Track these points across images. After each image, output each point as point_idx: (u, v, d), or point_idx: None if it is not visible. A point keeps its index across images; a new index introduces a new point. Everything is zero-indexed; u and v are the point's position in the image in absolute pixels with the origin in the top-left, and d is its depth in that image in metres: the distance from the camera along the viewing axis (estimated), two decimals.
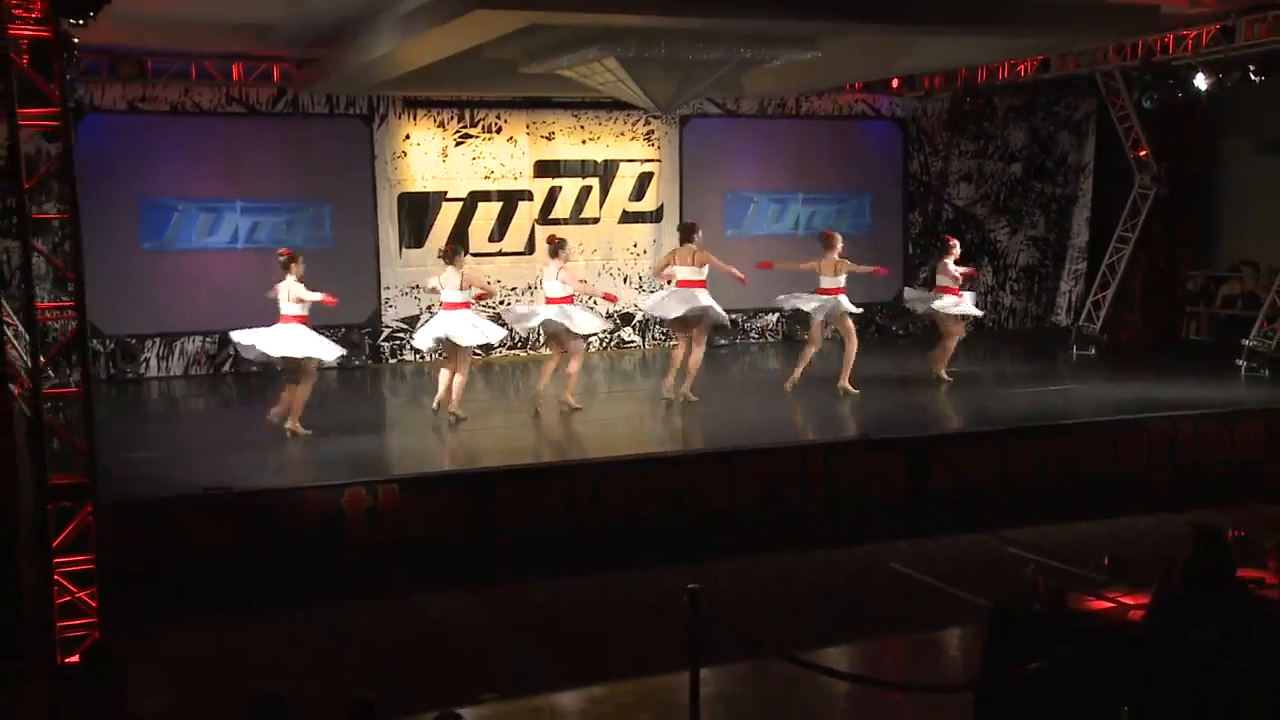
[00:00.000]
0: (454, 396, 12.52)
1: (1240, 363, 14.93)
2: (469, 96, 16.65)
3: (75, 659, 7.64)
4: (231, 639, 8.93)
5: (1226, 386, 14.27)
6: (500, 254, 17.07)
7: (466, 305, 12.54)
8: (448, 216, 16.87)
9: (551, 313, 12.82)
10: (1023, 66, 16.47)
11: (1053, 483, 11.81)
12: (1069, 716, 6.47)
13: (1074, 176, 19.65)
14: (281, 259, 12.06)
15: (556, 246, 13.03)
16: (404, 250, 16.67)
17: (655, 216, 17.76)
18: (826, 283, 13.79)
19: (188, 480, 10.07)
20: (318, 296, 11.95)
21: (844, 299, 13.87)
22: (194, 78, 15.45)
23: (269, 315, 15.56)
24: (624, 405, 14.63)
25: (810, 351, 14.16)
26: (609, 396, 15.22)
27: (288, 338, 11.82)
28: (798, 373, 13.98)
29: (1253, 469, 12.36)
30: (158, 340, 15.79)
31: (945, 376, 14.52)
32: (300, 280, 11.87)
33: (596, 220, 17.50)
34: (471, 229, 16.93)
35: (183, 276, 15.74)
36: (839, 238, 13.98)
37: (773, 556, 10.79)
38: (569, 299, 12.94)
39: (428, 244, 16.76)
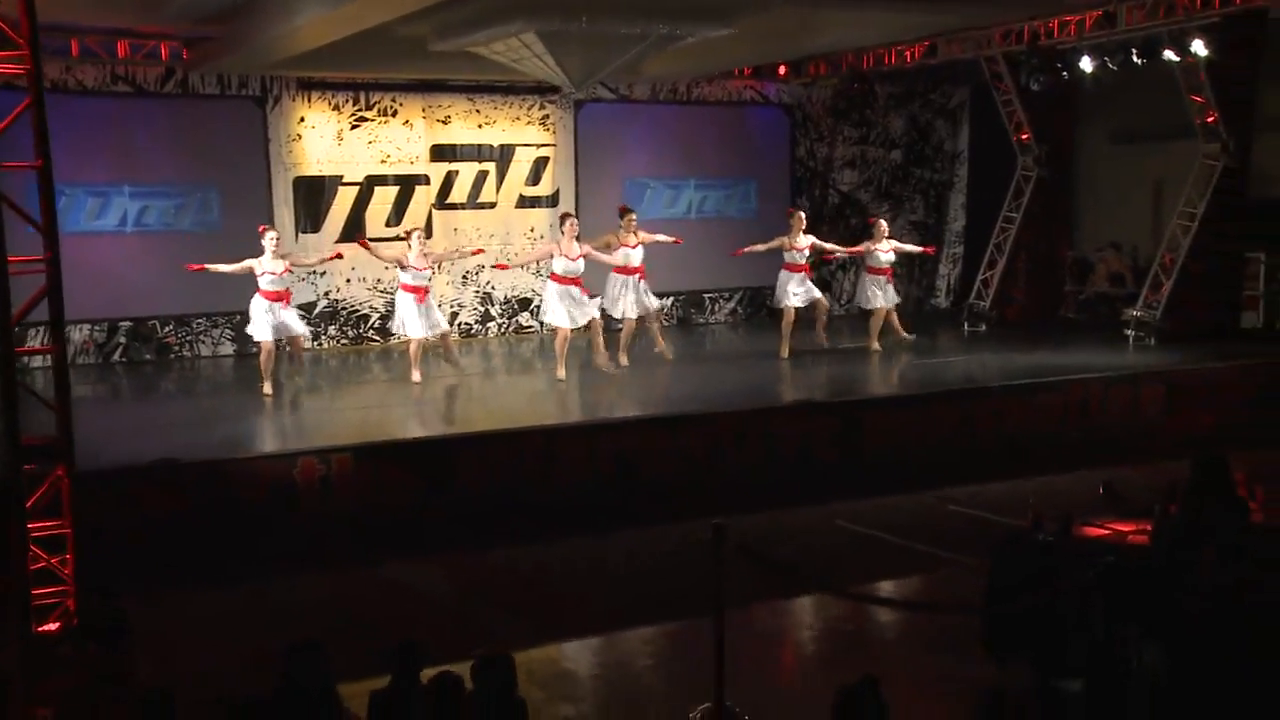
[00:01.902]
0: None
1: (1129, 332, 15.65)
2: (364, 79, 16.38)
3: (51, 627, 7.26)
4: (189, 609, 8.62)
5: (1119, 354, 14.96)
6: (398, 239, 16.72)
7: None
8: (344, 201, 16.55)
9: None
10: (909, 52, 16.95)
11: (981, 443, 12.18)
12: (1078, 636, 6.73)
13: (950, 163, 20.29)
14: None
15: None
16: (300, 235, 16.27)
17: (551, 201, 17.72)
18: (799, 258, 14.70)
19: (110, 458, 9.72)
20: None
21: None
22: (75, 55, 14.83)
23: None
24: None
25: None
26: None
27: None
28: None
29: (1155, 427, 12.95)
30: (43, 329, 15.03)
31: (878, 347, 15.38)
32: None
33: (493, 205, 17.38)
34: (368, 213, 16.65)
35: (69, 262, 14.82)
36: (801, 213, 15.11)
37: (720, 517, 10.84)
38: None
39: (324, 229, 16.44)
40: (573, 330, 13.40)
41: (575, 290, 13.22)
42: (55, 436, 7.31)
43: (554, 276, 13.30)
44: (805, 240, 14.64)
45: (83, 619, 6.54)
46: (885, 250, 15.19)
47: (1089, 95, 17.91)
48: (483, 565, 9.68)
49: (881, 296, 15.16)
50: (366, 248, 13.62)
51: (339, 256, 14.33)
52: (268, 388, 12.92)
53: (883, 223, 15.52)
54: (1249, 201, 16.27)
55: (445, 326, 13.63)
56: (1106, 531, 7.17)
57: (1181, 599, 6.58)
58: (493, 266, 16.19)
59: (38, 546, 7.33)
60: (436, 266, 13.55)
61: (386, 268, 16.66)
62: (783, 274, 14.90)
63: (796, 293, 14.67)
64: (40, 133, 7.28)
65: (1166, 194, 19.75)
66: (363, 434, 10.97)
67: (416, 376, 13.19)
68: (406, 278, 13.11)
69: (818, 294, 15.04)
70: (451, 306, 17.06)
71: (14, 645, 6.90)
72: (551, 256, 13.43)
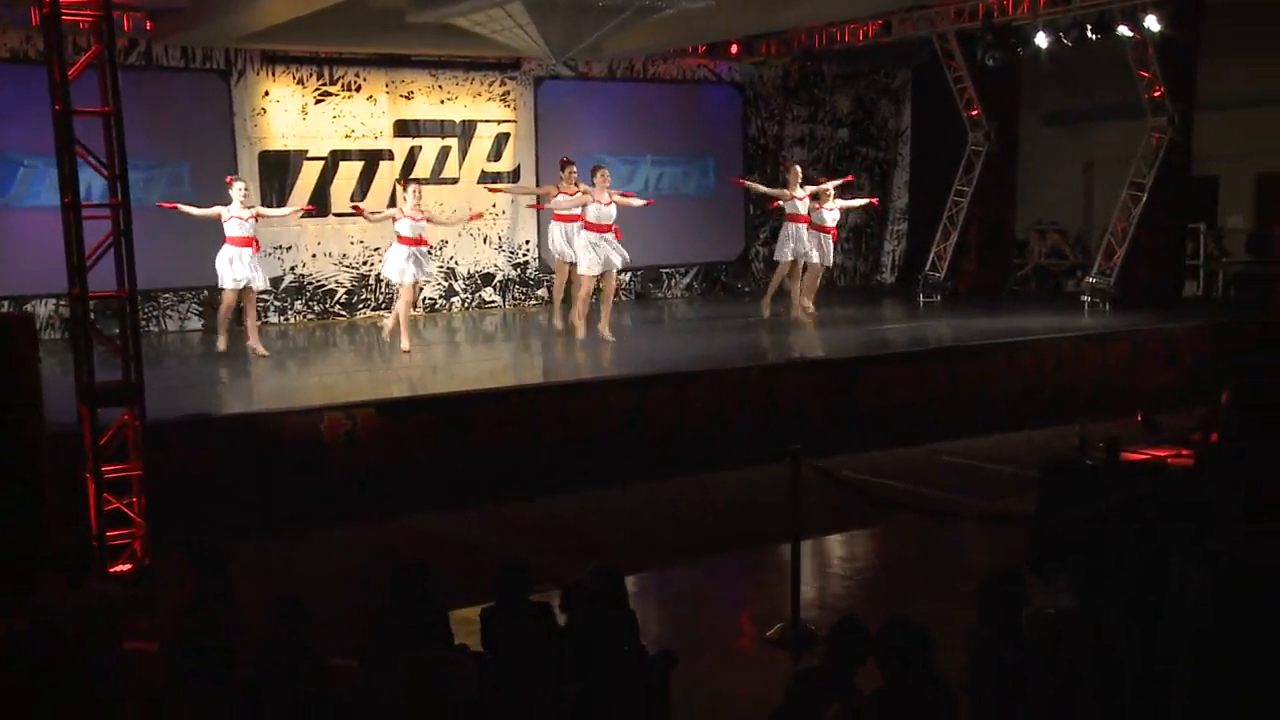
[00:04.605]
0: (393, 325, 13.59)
1: (1084, 298, 16.27)
2: (327, 53, 16.33)
3: (124, 568, 7.30)
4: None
5: (1076, 318, 15.53)
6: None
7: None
8: (309, 176, 16.48)
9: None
10: (863, 30, 17.34)
11: (963, 399, 12.63)
12: (1122, 559, 7.06)
13: (894, 142, 20.81)
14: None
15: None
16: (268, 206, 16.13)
17: (513, 177, 17.81)
18: (801, 207, 15.12)
19: None
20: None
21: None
22: (36, 24, 14.54)
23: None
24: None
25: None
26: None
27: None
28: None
29: (1122, 384, 13.52)
30: (6, 303, 14.81)
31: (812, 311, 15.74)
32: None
33: (456, 180, 17.43)
34: (333, 188, 16.60)
35: (32, 235, 14.71)
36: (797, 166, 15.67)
37: (728, 471, 11.15)
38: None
39: (290, 203, 16.32)
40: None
41: (610, 237, 13.62)
42: (124, 381, 7.33)
43: (587, 225, 13.60)
44: (805, 190, 15.03)
45: (183, 547, 6.57)
46: (830, 209, 15.62)
47: (1023, 78, 18.61)
48: (518, 514, 9.92)
49: (816, 254, 15.50)
50: (360, 213, 13.84)
51: (311, 210, 15.11)
52: (222, 342, 13.28)
53: (830, 186, 15.91)
54: (1191, 177, 17.04)
55: (432, 278, 13.73)
56: (1147, 457, 7.56)
57: (1226, 527, 6.95)
58: (484, 186, 16.71)
59: (107, 490, 7.37)
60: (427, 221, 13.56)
61: (353, 242, 16.76)
62: (786, 226, 15.30)
63: (798, 248, 14.97)
64: (109, 80, 7.33)
65: (1096, 173, 20.62)
66: (376, 394, 11.04)
67: (406, 344, 13.21)
68: (403, 229, 13.10)
69: (815, 259, 15.37)
70: None
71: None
72: (550, 197, 14.24)
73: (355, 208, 14.19)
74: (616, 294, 14.83)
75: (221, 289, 13.26)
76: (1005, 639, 5.02)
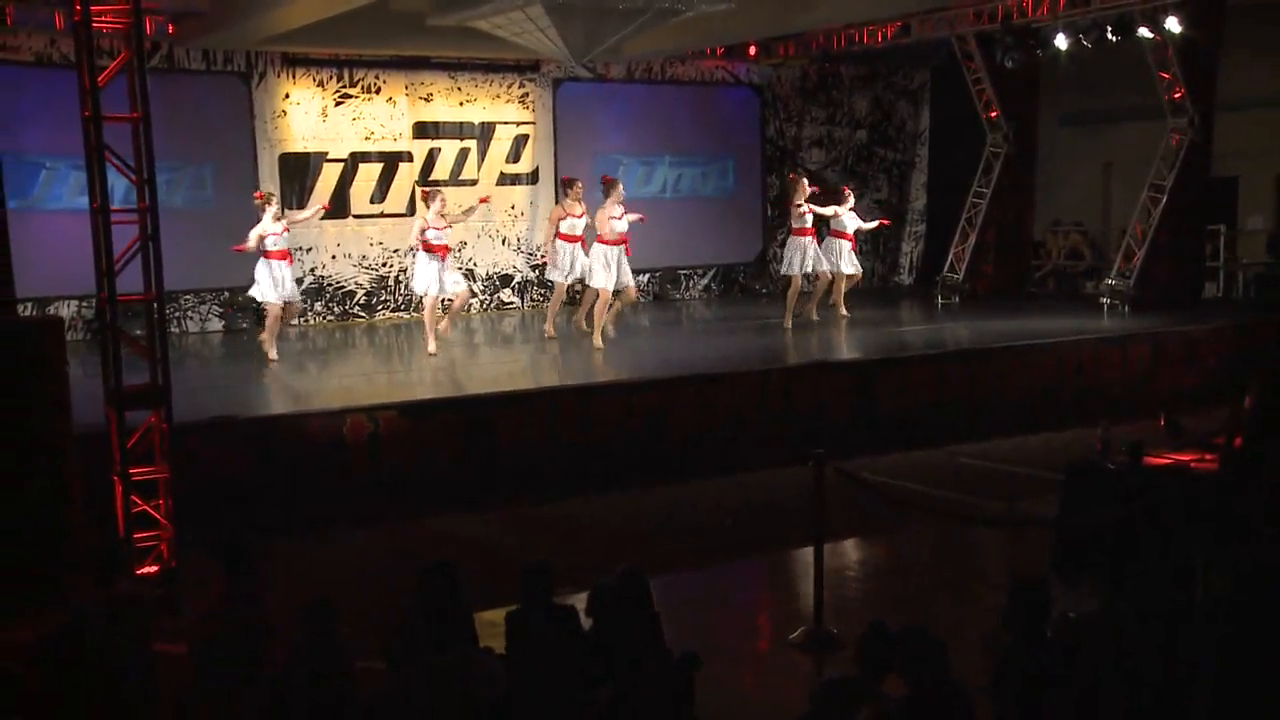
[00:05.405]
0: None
1: (1104, 300, 16.24)
2: (347, 55, 16.40)
3: (151, 569, 7.35)
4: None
5: (1095, 320, 15.50)
6: (382, 215, 16.88)
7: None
8: (329, 177, 16.57)
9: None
10: (881, 32, 17.33)
11: (982, 401, 12.61)
12: (1146, 563, 7.07)
13: (911, 143, 20.79)
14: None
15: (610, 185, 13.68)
16: (286, 212, 16.16)
17: (531, 179, 17.89)
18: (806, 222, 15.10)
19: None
20: None
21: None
22: (60, 28, 14.69)
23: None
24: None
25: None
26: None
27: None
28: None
29: (1142, 386, 13.49)
30: (29, 305, 14.88)
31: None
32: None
33: (475, 182, 17.46)
34: (353, 190, 16.70)
35: (54, 238, 14.81)
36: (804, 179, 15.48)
37: (746, 474, 11.16)
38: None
39: (310, 206, 16.40)
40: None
41: (618, 251, 13.49)
42: (151, 384, 7.38)
43: (600, 238, 13.51)
44: (808, 205, 15.00)
45: (213, 549, 6.60)
46: (850, 217, 15.65)
47: (1039, 78, 18.58)
48: (538, 516, 9.93)
49: (826, 264, 15.50)
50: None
51: (326, 208, 14.82)
52: (273, 353, 13.15)
53: (849, 193, 15.97)
54: (1210, 178, 17.01)
55: (463, 287, 13.64)
56: (1170, 461, 7.55)
57: (1250, 530, 6.94)
58: (480, 201, 14.92)
59: (134, 492, 7.42)
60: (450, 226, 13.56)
61: (372, 244, 16.85)
62: (790, 240, 15.25)
63: (803, 261, 14.96)
64: (139, 87, 7.38)
65: (1115, 175, 20.56)
66: (398, 396, 11.08)
67: (432, 347, 13.22)
68: (429, 237, 13.14)
69: (824, 266, 15.36)
70: None
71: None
72: (561, 220, 13.97)
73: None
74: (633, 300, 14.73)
75: (266, 302, 13.15)
76: (1029, 644, 5.02)
